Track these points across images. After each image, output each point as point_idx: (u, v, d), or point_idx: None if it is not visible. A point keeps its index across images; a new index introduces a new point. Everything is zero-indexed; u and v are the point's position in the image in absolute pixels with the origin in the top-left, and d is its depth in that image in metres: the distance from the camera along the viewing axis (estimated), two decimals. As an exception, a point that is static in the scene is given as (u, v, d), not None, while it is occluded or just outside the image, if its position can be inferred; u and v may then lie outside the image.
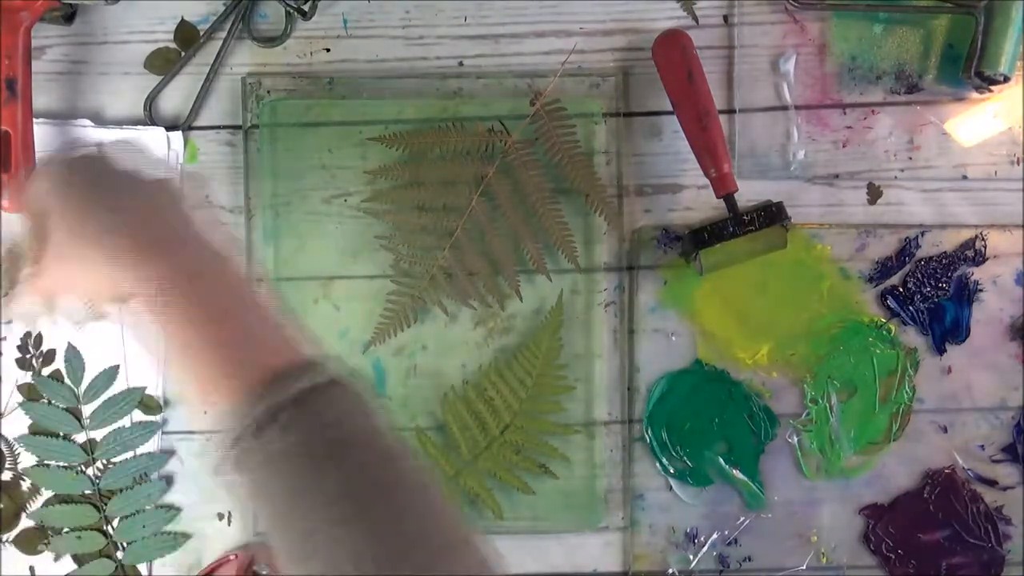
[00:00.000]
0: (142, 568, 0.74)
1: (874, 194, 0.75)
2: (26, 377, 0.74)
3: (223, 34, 0.74)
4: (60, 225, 0.50)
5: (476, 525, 0.73)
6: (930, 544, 0.75)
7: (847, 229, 0.75)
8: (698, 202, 0.75)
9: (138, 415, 0.74)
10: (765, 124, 0.75)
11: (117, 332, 0.73)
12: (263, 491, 0.44)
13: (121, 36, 0.74)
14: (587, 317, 0.74)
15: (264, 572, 0.67)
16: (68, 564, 0.74)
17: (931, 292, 0.75)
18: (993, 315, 0.75)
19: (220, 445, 0.44)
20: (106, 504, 0.73)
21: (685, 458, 0.75)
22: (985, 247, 0.75)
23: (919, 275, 0.75)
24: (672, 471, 0.75)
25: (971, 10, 0.71)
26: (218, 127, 0.74)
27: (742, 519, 0.75)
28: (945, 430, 0.75)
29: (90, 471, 0.73)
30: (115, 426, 0.73)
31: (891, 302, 0.75)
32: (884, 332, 0.75)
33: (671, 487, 0.75)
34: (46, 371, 0.74)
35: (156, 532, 0.74)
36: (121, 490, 0.73)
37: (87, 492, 0.74)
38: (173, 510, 0.74)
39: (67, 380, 0.73)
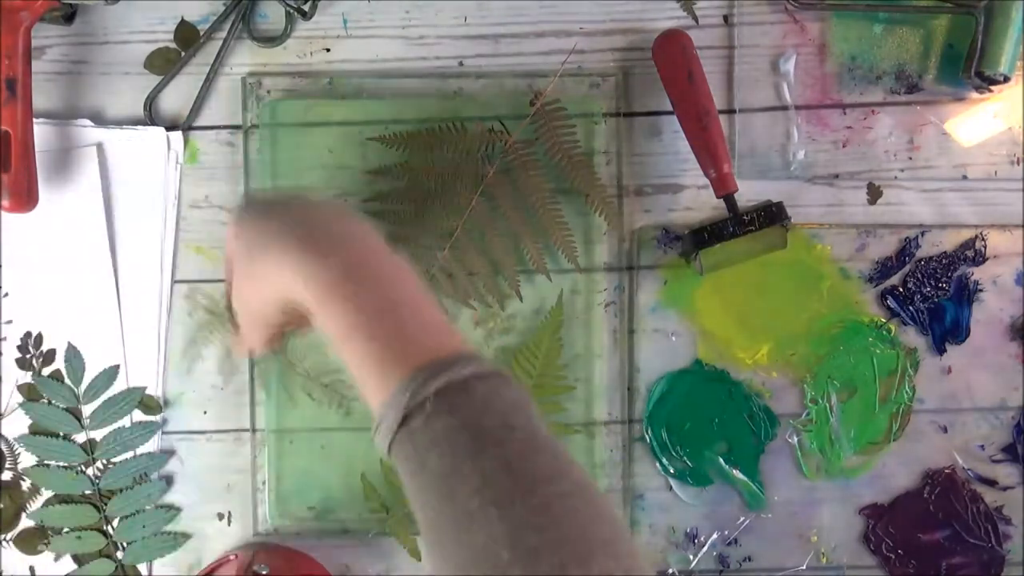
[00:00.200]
0: (142, 568, 0.74)
1: (874, 194, 0.75)
2: (26, 377, 0.74)
3: (223, 34, 0.74)
4: (239, 265, 0.56)
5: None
6: (930, 544, 0.75)
7: (847, 229, 0.75)
8: (698, 202, 0.75)
9: (138, 415, 0.74)
10: (765, 124, 0.75)
11: (117, 332, 0.73)
12: (426, 471, 0.45)
13: (121, 36, 0.74)
14: (587, 317, 0.74)
15: (264, 572, 0.67)
16: (68, 564, 0.74)
17: (931, 292, 0.75)
18: (993, 315, 0.75)
19: (387, 429, 0.46)
20: (106, 504, 0.73)
21: (685, 458, 0.75)
22: (985, 247, 0.75)
23: (919, 275, 0.75)
24: (672, 471, 0.75)
25: (971, 10, 0.71)
26: (218, 127, 0.74)
27: (742, 519, 0.75)
28: (945, 430, 0.76)
29: (90, 471, 0.73)
30: (115, 426, 0.73)
31: (891, 302, 0.75)
32: (884, 332, 0.75)
33: (671, 487, 0.75)
34: (46, 371, 0.74)
35: (156, 532, 0.74)
36: (121, 490, 0.73)
37: (87, 492, 0.74)
38: (173, 510, 0.74)
39: (67, 380, 0.73)
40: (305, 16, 0.73)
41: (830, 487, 0.75)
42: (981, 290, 0.75)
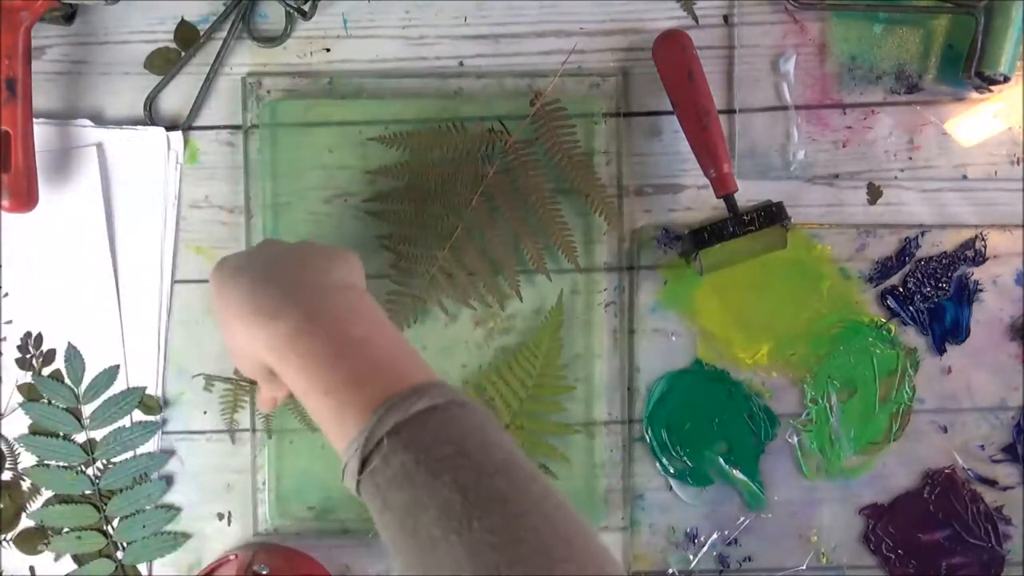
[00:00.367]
0: (142, 568, 0.74)
1: (874, 194, 0.75)
2: (26, 377, 0.74)
3: (223, 34, 0.74)
4: (222, 332, 0.57)
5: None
6: (930, 544, 0.75)
7: (847, 229, 0.75)
8: (698, 202, 0.75)
9: (138, 415, 0.74)
10: (765, 124, 0.75)
11: (117, 332, 0.73)
12: (390, 508, 0.46)
13: (121, 36, 0.74)
14: (587, 317, 0.74)
15: (264, 572, 0.67)
16: (68, 564, 0.74)
17: (931, 292, 0.75)
18: (993, 315, 0.75)
19: (351, 472, 0.48)
20: (106, 504, 0.73)
21: (685, 458, 0.75)
22: (985, 247, 0.75)
23: (919, 275, 0.75)
24: (672, 471, 0.75)
25: (971, 10, 0.71)
26: (218, 127, 0.74)
27: (742, 519, 0.75)
28: (945, 430, 0.76)
29: (90, 471, 0.73)
30: (115, 426, 0.73)
31: (891, 302, 0.75)
32: (884, 332, 0.75)
33: (671, 487, 0.75)
34: (46, 371, 0.74)
35: (156, 532, 0.74)
36: (121, 490, 0.73)
37: (87, 492, 0.74)
38: (173, 510, 0.74)
39: (67, 380, 0.73)
40: (305, 16, 0.73)
41: (830, 487, 0.75)
42: (981, 290, 0.75)
